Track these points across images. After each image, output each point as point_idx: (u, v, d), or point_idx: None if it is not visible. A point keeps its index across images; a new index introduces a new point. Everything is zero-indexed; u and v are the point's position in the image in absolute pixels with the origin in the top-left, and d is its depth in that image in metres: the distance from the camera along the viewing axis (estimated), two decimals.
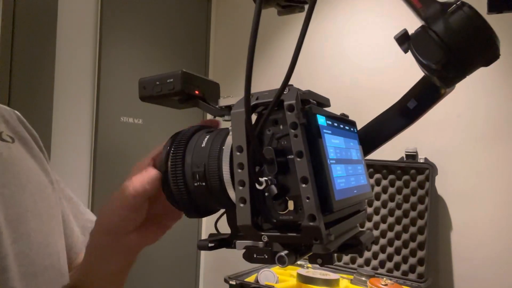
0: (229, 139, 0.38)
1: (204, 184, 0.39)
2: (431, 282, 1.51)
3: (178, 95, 0.43)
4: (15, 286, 0.43)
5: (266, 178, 0.33)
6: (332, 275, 1.36)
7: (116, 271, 0.47)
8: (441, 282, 1.64)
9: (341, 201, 0.34)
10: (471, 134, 1.62)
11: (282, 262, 0.33)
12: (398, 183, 1.62)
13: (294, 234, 0.33)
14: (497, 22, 0.41)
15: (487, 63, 0.37)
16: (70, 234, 0.57)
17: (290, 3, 0.43)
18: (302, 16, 0.34)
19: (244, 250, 0.36)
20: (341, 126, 0.40)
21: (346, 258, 1.66)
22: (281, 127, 0.34)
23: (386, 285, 1.31)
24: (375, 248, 1.62)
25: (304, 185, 0.32)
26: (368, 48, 1.87)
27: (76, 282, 0.48)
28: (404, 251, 1.57)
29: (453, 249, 1.64)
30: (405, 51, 0.39)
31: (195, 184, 0.39)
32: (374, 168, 1.67)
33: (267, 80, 1.95)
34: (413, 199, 1.58)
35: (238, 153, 0.34)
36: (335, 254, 0.35)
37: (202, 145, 0.40)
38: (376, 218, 1.65)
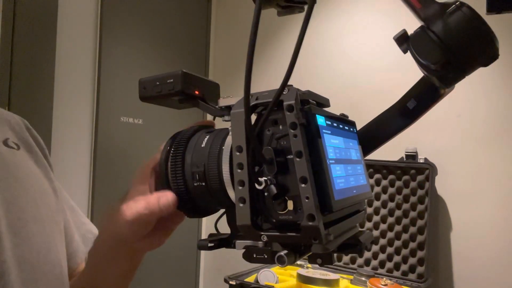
0: (229, 139, 0.38)
1: (204, 184, 0.39)
2: (431, 282, 1.51)
3: (178, 95, 0.43)
4: None
5: (265, 178, 0.33)
6: (332, 275, 1.36)
7: (121, 275, 0.47)
8: (441, 282, 1.64)
9: (340, 201, 0.34)
10: (471, 134, 1.62)
11: (281, 262, 0.33)
12: (398, 183, 1.62)
13: (294, 234, 0.33)
14: (496, 22, 0.41)
15: (486, 63, 0.37)
16: (71, 242, 0.57)
17: (290, 3, 0.43)
18: (301, 16, 0.34)
19: (243, 250, 0.36)
20: (341, 126, 0.40)
21: (346, 258, 1.66)
22: (280, 127, 0.34)
23: (386, 285, 1.31)
24: (375, 248, 1.62)
25: (303, 185, 0.32)
26: (368, 48, 1.87)
27: None
28: (404, 251, 1.57)
29: (453, 249, 1.64)
30: (404, 52, 0.39)
31: (195, 184, 0.39)
32: (374, 168, 1.67)
33: (266, 80, 1.95)
34: (413, 199, 1.58)
35: (237, 153, 0.34)
36: (335, 254, 0.35)
37: (202, 145, 0.40)
38: (376, 218, 1.65)
